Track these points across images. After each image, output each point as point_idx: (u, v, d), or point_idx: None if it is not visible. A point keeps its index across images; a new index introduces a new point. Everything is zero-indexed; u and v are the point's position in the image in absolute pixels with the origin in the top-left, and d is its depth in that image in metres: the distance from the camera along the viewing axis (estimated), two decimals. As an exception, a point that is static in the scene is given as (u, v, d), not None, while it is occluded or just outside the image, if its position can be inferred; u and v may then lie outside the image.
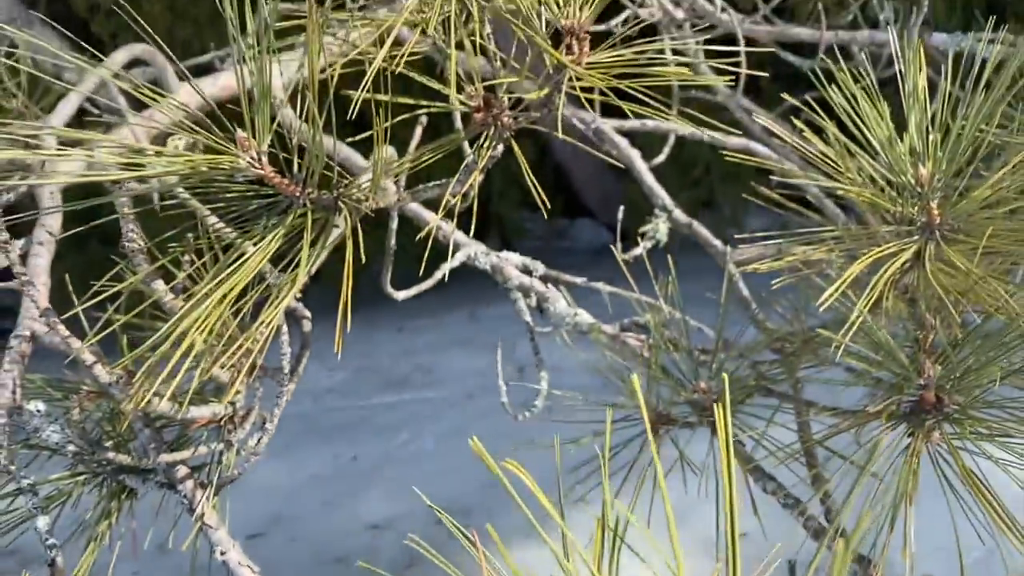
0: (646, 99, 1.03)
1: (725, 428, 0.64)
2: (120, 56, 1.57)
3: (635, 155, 1.77)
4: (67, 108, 1.48)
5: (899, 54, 1.12)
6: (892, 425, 1.06)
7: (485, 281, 1.81)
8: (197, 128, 0.84)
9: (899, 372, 1.04)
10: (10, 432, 1.17)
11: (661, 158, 1.85)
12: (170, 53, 1.45)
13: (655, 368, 1.23)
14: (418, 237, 1.06)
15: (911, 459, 1.02)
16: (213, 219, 1.09)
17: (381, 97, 0.90)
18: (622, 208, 1.60)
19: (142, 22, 1.11)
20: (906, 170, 1.03)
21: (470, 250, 1.55)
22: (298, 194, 0.89)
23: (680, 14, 1.88)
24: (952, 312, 0.98)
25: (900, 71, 1.15)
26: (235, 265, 0.82)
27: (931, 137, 1.04)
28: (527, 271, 1.60)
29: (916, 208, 1.08)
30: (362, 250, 0.91)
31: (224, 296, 0.80)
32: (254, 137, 0.84)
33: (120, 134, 1.60)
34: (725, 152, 1.81)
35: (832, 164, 1.17)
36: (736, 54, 1.86)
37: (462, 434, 5.07)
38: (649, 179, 1.73)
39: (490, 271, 1.54)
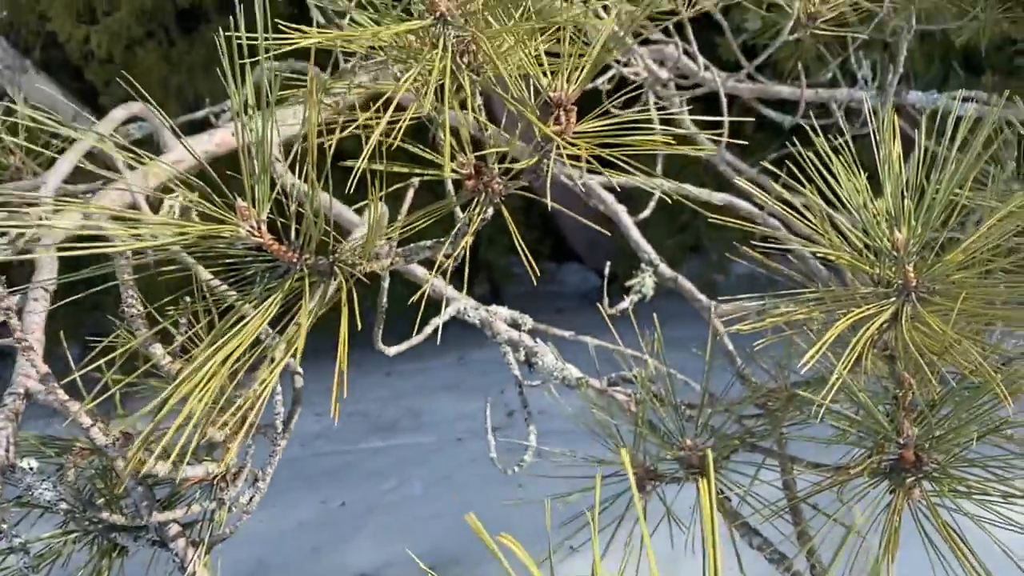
0: (628, 167, 1.07)
1: (709, 492, 0.66)
2: (118, 113, 1.61)
3: (621, 210, 1.81)
4: (64, 166, 1.51)
5: (873, 122, 1.16)
6: (874, 483, 1.08)
7: (473, 325, 1.84)
8: (199, 198, 0.87)
9: (880, 431, 1.07)
10: (2, 490, 1.18)
11: (646, 213, 1.89)
12: (163, 115, 1.49)
13: (642, 425, 1.25)
14: (410, 300, 1.08)
15: (892, 517, 1.04)
16: (212, 280, 1.11)
17: (377, 166, 0.93)
18: (610, 255, 1.62)
19: (132, 78, 1.14)
20: (883, 235, 1.07)
21: (459, 304, 1.58)
22: (295, 260, 0.91)
23: (664, 74, 1.93)
24: (928, 373, 1.00)
25: (875, 138, 1.19)
26: (235, 329, 0.84)
27: (906, 202, 1.08)
28: (515, 324, 1.62)
29: (893, 270, 1.12)
30: (356, 306, 0.93)
31: (224, 360, 0.82)
32: (254, 206, 0.86)
33: (112, 195, 1.63)
34: (710, 207, 1.85)
35: (812, 227, 1.21)
36: (720, 110, 1.91)
37: (451, 479, 5.06)
38: (635, 234, 1.76)
39: (479, 325, 1.56)
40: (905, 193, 1.14)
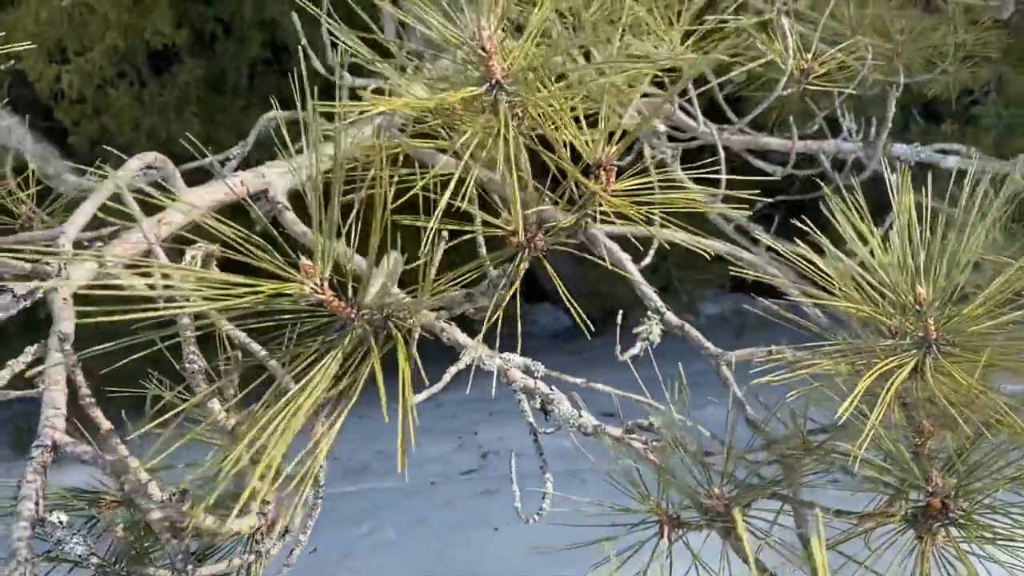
0: (665, 222, 1.11)
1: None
2: (134, 164, 1.61)
3: (626, 259, 1.85)
4: (82, 217, 1.51)
5: (890, 180, 1.22)
6: (902, 530, 1.11)
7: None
8: (260, 252, 0.89)
9: (908, 479, 1.11)
10: (32, 544, 1.16)
11: (647, 260, 1.94)
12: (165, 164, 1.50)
13: (665, 473, 1.28)
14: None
15: (922, 563, 1.08)
16: (239, 335, 1.12)
17: (431, 224, 0.96)
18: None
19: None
20: (907, 291, 1.12)
21: (475, 352, 1.60)
22: (353, 316, 0.93)
23: (661, 127, 1.99)
24: (959, 422, 1.05)
25: (891, 193, 1.25)
26: (303, 390, 0.85)
27: (930, 260, 1.13)
28: (528, 371, 1.64)
29: (912, 323, 1.16)
30: (413, 356, 0.95)
31: (295, 413, 0.83)
32: (314, 263, 0.88)
33: (127, 244, 1.64)
34: (707, 253, 1.90)
35: (826, 277, 1.26)
36: (715, 163, 1.97)
37: (425, 523, 5.02)
38: (642, 283, 1.80)
39: (496, 373, 1.58)
40: (921, 249, 1.19)
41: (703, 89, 2.08)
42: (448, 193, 0.93)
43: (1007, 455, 1.06)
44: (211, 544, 1.19)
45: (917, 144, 2.27)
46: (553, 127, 1.00)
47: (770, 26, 1.93)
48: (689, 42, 1.76)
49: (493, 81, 0.94)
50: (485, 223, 1.01)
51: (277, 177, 1.88)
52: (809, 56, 1.93)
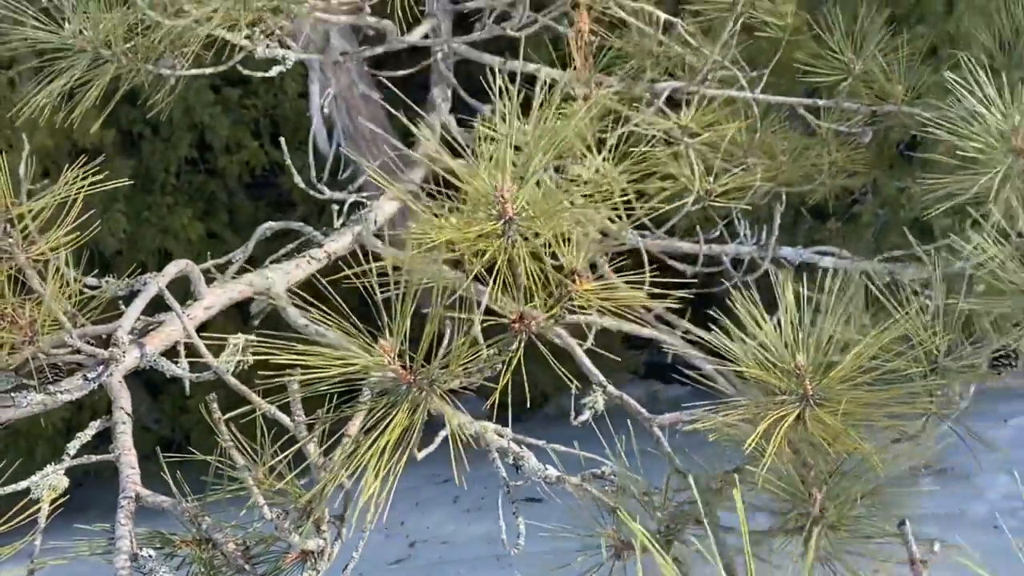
0: (620, 313, 1.57)
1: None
2: (171, 269, 2.01)
3: (574, 343, 2.31)
4: (133, 313, 1.89)
5: (776, 281, 1.72)
6: (794, 536, 1.57)
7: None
8: (349, 334, 1.30)
9: (798, 494, 1.57)
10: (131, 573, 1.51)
11: (589, 342, 2.40)
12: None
13: (622, 512, 1.71)
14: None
15: (807, 558, 1.54)
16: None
17: (459, 315, 1.40)
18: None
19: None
20: (791, 361, 1.60)
21: (458, 419, 2.01)
22: (412, 381, 1.35)
23: (598, 235, 2.49)
24: (830, 453, 1.52)
25: (776, 289, 1.74)
26: (382, 434, 1.26)
27: (800, 335, 1.62)
28: (499, 435, 2.07)
29: (795, 385, 1.65)
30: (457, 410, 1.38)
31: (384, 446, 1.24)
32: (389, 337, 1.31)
33: (167, 329, 2.02)
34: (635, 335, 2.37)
35: (731, 354, 1.74)
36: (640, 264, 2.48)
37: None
38: (587, 362, 2.26)
39: (475, 436, 1.99)
40: (800, 330, 1.68)
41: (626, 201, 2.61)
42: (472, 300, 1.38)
43: (862, 474, 1.53)
44: (276, 568, 1.56)
45: (800, 247, 2.84)
46: (542, 247, 1.46)
47: (679, 157, 2.47)
48: (619, 169, 2.28)
49: (508, 217, 1.39)
50: (493, 313, 1.45)
51: (279, 278, 2.28)
52: (711, 179, 2.47)
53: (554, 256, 1.55)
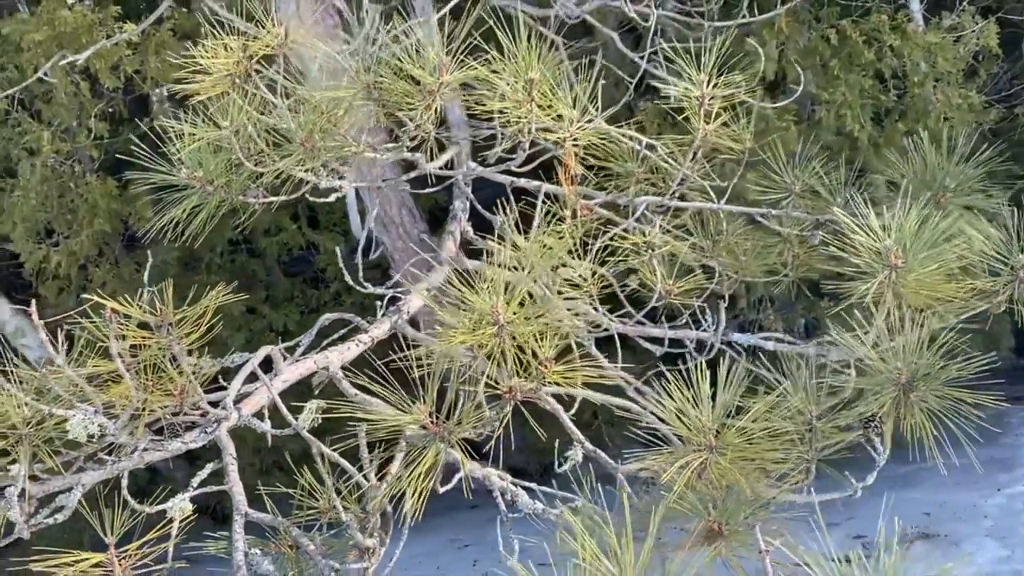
0: (586, 388, 2.38)
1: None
2: (262, 352, 2.85)
3: (560, 409, 3.10)
4: (239, 381, 2.72)
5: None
6: (703, 545, 2.34)
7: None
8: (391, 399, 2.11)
9: (708, 514, 2.35)
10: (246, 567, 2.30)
11: (574, 409, 3.18)
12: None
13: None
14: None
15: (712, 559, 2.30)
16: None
17: (468, 387, 2.21)
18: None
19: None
20: (704, 429, 2.40)
21: (468, 467, 2.81)
22: (439, 431, 2.14)
23: (580, 323, 3.29)
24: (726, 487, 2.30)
25: (696, 371, 2.54)
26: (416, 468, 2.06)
27: (708, 408, 2.42)
28: (501, 478, 2.85)
29: (704, 438, 2.44)
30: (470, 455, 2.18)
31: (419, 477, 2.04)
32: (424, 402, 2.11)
33: (256, 399, 2.84)
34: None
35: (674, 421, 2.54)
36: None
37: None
38: (569, 423, 3.05)
39: (482, 480, 2.78)
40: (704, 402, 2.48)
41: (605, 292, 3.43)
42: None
43: (746, 500, 2.31)
44: (343, 561, 2.34)
45: (749, 332, 3.62)
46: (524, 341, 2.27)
47: (646, 260, 3.30)
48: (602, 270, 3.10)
49: (500, 324, 2.20)
50: (492, 386, 2.26)
51: (335, 358, 3.10)
52: (671, 281, 3.29)
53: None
